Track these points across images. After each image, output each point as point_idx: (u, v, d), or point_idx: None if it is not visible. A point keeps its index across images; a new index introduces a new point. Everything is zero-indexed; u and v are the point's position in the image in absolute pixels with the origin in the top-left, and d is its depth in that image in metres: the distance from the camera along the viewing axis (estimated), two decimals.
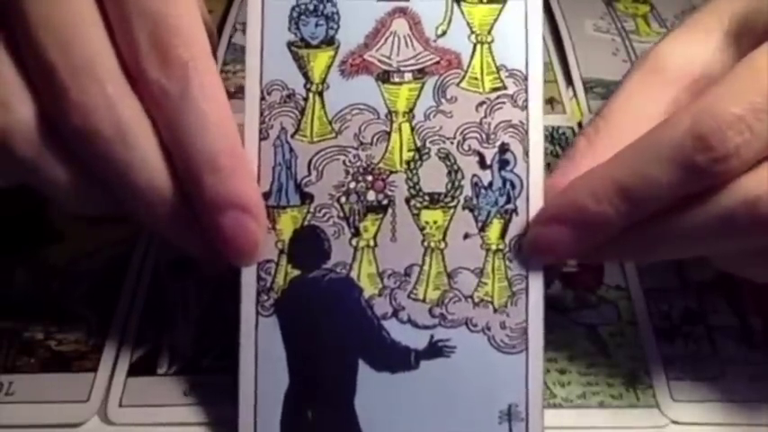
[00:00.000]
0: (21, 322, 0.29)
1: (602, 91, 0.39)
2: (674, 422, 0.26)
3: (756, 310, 0.29)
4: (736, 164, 0.20)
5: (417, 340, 0.24)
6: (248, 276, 0.25)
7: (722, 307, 0.29)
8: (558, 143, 0.36)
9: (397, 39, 0.25)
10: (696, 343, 0.28)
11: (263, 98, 0.25)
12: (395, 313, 0.25)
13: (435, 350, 0.24)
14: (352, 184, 0.25)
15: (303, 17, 0.25)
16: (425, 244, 0.25)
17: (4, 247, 0.32)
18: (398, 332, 0.24)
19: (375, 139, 0.25)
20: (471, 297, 0.24)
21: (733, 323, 0.28)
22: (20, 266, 0.31)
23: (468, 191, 0.25)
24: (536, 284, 0.24)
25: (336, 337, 0.25)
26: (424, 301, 0.25)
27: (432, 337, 0.24)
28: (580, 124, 0.37)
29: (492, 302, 0.24)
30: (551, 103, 0.38)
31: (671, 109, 0.23)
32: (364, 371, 0.25)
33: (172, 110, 0.22)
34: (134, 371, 0.27)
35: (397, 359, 0.24)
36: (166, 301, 0.30)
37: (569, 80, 0.40)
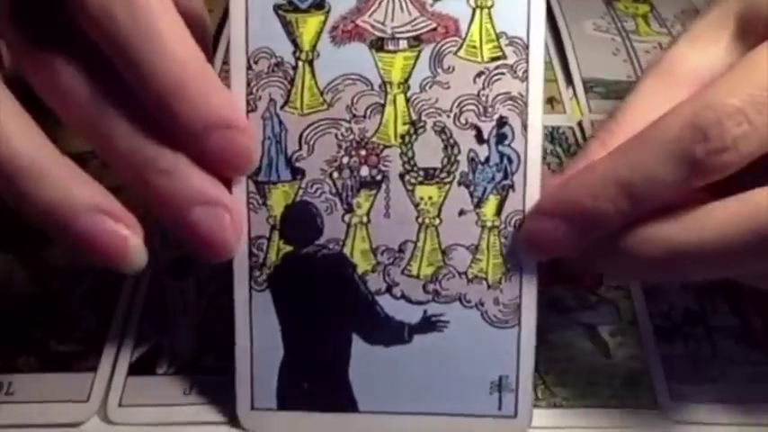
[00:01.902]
0: (21, 322, 0.29)
1: (602, 91, 0.38)
2: (674, 422, 0.26)
3: (756, 310, 0.29)
4: (734, 157, 0.20)
5: (411, 315, 0.25)
6: (240, 252, 0.24)
7: (722, 307, 0.29)
8: (558, 143, 0.35)
9: (391, 2, 0.24)
10: (696, 343, 0.28)
11: (249, 67, 0.24)
12: (388, 289, 0.25)
13: (429, 325, 0.25)
14: (345, 159, 0.24)
15: None
16: (420, 220, 0.24)
17: (4, 246, 0.31)
18: (392, 307, 0.25)
19: (368, 112, 0.24)
20: (465, 273, 0.24)
21: (733, 323, 0.28)
22: (20, 266, 0.31)
23: (464, 166, 0.24)
24: (530, 261, 0.24)
25: (330, 312, 0.25)
26: (417, 277, 0.24)
27: (425, 312, 0.25)
28: (580, 124, 0.36)
29: (486, 279, 0.24)
30: (551, 102, 0.37)
31: None
32: (358, 344, 0.25)
33: (122, 36, 0.20)
34: (134, 371, 0.27)
35: (390, 333, 0.25)
36: (166, 301, 0.29)
37: (569, 80, 0.39)
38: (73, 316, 0.29)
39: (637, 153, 0.21)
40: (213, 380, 0.27)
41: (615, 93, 0.38)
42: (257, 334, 0.25)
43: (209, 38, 0.26)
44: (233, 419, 0.26)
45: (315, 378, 0.25)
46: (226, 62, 0.39)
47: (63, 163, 0.22)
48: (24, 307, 0.29)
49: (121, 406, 0.26)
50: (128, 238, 0.22)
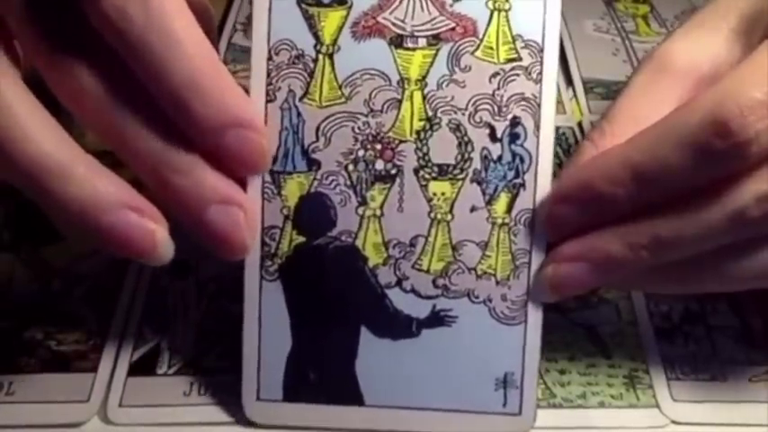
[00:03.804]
0: (21, 322, 0.28)
1: (602, 91, 0.39)
2: (674, 422, 0.26)
3: (757, 311, 0.29)
4: (755, 150, 0.20)
5: (420, 309, 0.25)
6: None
7: (722, 307, 0.29)
8: (558, 143, 0.35)
9: (412, 1, 0.24)
10: (696, 343, 0.28)
11: (270, 58, 0.24)
12: (398, 283, 0.25)
13: (437, 319, 0.25)
14: (361, 152, 0.24)
15: None
16: (432, 215, 0.25)
17: (4, 246, 0.31)
18: (401, 301, 0.25)
19: (386, 107, 0.24)
20: (475, 269, 0.25)
21: (733, 323, 0.29)
22: (20, 266, 0.30)
23: (477, 163, 0.24)
24: (539, 259, 0.25)
25: (339, 303, 0.25)
26: (427, 271, 0.25)
27: (434, 306, 0.25)
28: (580, 125, 0.37)
29: (495, 275, 0.25)
30: None
31: None
32: (366, 337, 0.25)
33: (136, 35, 0.21)
34: (134, 371, 0.27)
35: (398, 327, 0.25)
36: (166, 302, 0.29)
37: (569, 80, 0.40)
38: (73, 316, 0.29)
39: (654, 141, 0.21)
40: (214, 380, 0.27)
41: (615, 93, 0.37)
42: (266, 324, 0.25)
43: (215, 33, 0.27)
44: (234, 419, 0.26)
45: (322, 370, 0.25)
46: (225, 63, 0.39)
47: (87, 160, 0.22)
48: (24, 307, 0.29)
49: (122, 406, 0.26)
50: (155, 231, 0.22)
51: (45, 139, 0.21)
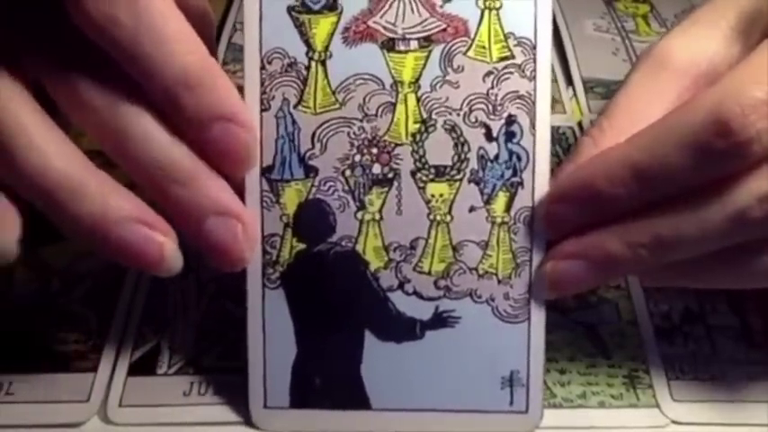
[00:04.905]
0: (21, 322, 0.29)
1: (603, 91, 0.39)
2: (674, 422, 0.26)
3: (757, 311, 0.29)
4: (756, 150, 0.20)
5: (423, 311, 0.25)
6: None
7: (722, 307, 0.29)
8: (558, 143, 0.35)
9: (402, 4, 0.24)
10: (696, 343, 0.28)
11: (263, 67, 0.24)
12: (400, 285, 0.25)
13: (440, 320, 0.25)
14: (358, 157, 0.24)
15: None
16: (431, 217, 0.25)
17: None
18: (404, 304, 0.25)
19: (380, 111, 0.24)
20: (476, 269, 0.25)
21: (733, 323, 0.29)
22: (20, 266, 0.30)
23: (474, 163, 0.24)
24: (540, 256, 0.25)
25: (342, 309, 0.25)
26: (429, 273, 0.25)
27: (437, 308, 0.25)
28: (580, 124, 0.37)
29: (496, 274, 0.25)
30: (551, 102, 0.38)
31: (676, 105, 0.23)
32: (370, 340, 0.25)
33: (127, 38, 0.21)
34: (134, 371, 0.27)
35: (402, 329, 0.25)
36: (166, 301, 0.29)
37: (569, 80, 0.40)
38: (73, 316, 0.29)
39: (655, 141, 0.21)
40: (214, 380, 0.27)
41: (615, 93, 0.38)
42: (270, 332, 0.25)
43: (213, 34, 0.27)
44: (234, 419, 0.26)
45: (327, 375, 0.25)
46: (225, 63, 0.40)
47: (99, 176, 0.22)
48: (24, 307, 0.29)
49: (121, 406, 0.26)
50: (163, 244, 0.22)
51: (56, 155, 0.22)
